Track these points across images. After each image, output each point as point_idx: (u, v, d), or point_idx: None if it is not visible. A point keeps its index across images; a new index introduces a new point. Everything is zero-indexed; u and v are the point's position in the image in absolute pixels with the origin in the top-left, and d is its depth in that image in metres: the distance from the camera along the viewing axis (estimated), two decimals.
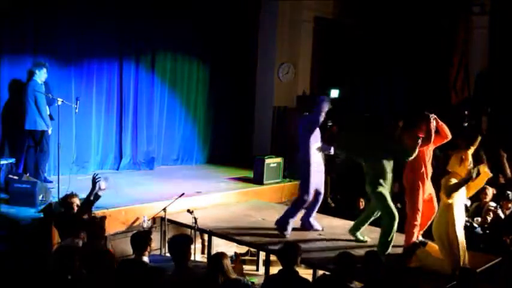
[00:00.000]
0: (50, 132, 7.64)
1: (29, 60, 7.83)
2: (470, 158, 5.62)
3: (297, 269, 4.57)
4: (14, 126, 7.69)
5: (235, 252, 7.33)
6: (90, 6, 8.43)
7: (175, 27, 9.72)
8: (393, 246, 6.02)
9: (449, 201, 5.55)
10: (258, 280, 6.63)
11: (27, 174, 7.29)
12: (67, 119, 7.86)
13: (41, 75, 7.51)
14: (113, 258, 4.47)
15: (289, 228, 6.62)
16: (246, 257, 7.69)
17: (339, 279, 4.44)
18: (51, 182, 7.55)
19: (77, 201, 5.73)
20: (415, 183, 5.97)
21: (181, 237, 4.74)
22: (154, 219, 6.97)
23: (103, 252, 4.49)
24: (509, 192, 7.46)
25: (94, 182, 5.51)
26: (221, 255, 4.35)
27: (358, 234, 6.47)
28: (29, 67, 7.68)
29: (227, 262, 4.32)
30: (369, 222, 6.50)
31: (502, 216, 7.22)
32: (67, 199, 5.72)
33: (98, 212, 6.54)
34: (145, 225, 6.67)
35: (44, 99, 7.47)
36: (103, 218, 5.46)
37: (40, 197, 6.75)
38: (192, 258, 5.23)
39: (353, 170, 9.87)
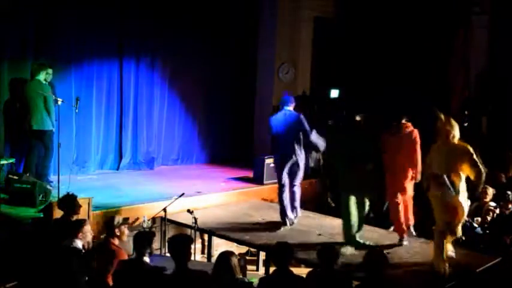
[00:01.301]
0: (53, 130, 7.60)
1: (29, 60, 7.81)
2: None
3: (298, 269, 4.58)
4: (17, 126, 7.63)
5: (244, 258, 7.31)
6: (90, 6, 8.42)
7: (175, 27, 9.72)
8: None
9: None
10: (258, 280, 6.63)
11: (27, 174, 7.28)
12: (67, 119, 7.85)
13: (44, 76, 7.47)
14: None
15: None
16: (246, 257, 7.69)
17: (327, 273, 4.47)
18: (51, 182, 7.54)
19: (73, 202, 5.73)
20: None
21: (181, 237, 4.73)
22: (154, 219, 6.96)
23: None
24: (509, 192, 7.46)
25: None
26: (229, 254, 4.33)
27: (357, 237, 6.35)
28: (30, 67, 7.64)
29: (235, 261, 4.30)
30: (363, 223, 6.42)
31: (495, 215, 7.20)
32: (65, 200, 5.71)
33: (97, 212, 6.57)
34: (145, 225, 6.66)
35: (52, 100, 7.41)
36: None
37: (40, 197, 6.74)
38: (192, 258, 5.23)
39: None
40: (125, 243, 5.20)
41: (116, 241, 5.03)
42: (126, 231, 5.10)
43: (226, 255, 4.31)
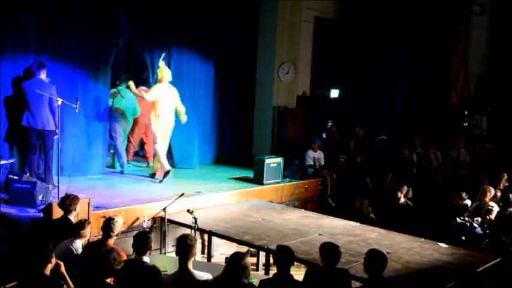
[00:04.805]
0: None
1: (30, 59, 7.78)
2: None
3: (298, 269, 4.57)
4: (19, 125, 7.50)
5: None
6: (92, 5, 8.41)
7: (175, 26, 9.71)
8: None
9: None
10: (258, 280, 6.62)
11: (27, 174, 7.27)
12: (67, 119, 7.84)
13: (44, 75, 7.41)
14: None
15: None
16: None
17: (328, 270, 4.49)
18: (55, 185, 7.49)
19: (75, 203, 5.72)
20: None
21: (187, 237, 4.69)
22: (154, 219, 6.96)
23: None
24: (511, 195, 7.48)
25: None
26: (242, 255, 4.28)
27: None
28: (34, 66, 7.59)
29: (248, 262, 4.24)
30: None
31: (495, 215, 7.19)
32: (65, 201, 5.70)
33: (97, 212, 6.56)
34: (145, 225, 6.66)
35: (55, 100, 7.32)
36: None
37: (40, 197, 6.74)
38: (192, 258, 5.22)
39: (353, 170, 9.93)
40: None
41: (112, 241, 5.03)
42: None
43: (240, 256, 4.24)
